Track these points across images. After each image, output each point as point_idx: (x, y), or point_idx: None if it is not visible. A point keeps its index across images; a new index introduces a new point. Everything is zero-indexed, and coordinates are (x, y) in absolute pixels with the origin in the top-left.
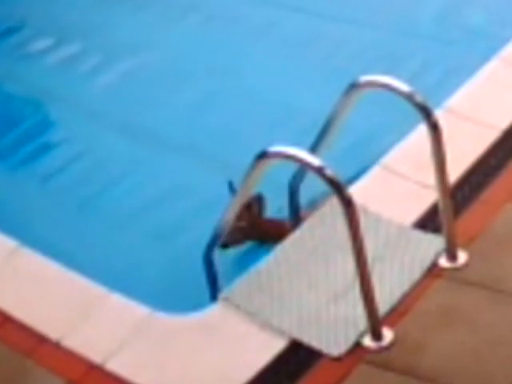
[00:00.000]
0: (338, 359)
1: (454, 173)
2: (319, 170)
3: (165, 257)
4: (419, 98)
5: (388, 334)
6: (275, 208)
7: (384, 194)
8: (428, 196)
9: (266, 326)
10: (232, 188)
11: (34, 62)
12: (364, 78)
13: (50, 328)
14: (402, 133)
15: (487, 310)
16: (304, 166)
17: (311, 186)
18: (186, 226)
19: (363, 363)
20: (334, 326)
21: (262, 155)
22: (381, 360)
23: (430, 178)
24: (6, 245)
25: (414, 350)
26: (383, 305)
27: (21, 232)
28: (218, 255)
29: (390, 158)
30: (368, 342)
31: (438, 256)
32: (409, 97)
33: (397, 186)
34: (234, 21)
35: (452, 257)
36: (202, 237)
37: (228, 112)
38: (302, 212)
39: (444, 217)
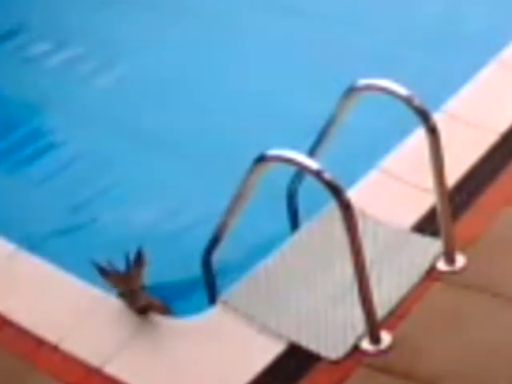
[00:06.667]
0: (336, 362)
1: (452, 176)
2: (317, 174)
3: (164, 260)
4: (417, 102)
5: (386, 338)
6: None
7: (382, 197)
8: (426, 199)
9: (265, 329)
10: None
11: (33, 65)
12: (362, 82)
13: (49, 331)
14: (400, 136)
15: (485, 314)
16: (302, 170)
17: (309, 190)
18: (184, 228)
19: (361, 367)
20: (333, 330)
21: (261, 159)
22: (379, 363)
23: (428, 181)
24: (3, 248)
25: (412, 354)
26: (381, 308)
27: (18, 235)
28: (217, 259)
29: (388, 162)
30: (366, 345)
31: (436, 259)
32: (407, 100)
33: (395, 190)
34: (232, 24)
35: (450, 260)
36: (200, 240)
37: (225, 116)
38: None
39: (442, 220)
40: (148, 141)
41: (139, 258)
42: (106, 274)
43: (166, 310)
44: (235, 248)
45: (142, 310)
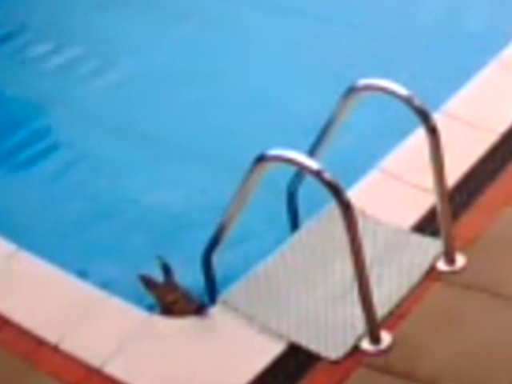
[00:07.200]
0: (336, 362)
1: (452, 176)
2: (317, 174)
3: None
4: (417, 102)
5: (386, 338)
6: (274, 209)
7: (382, 197)
8: (426, 199)
9: (265, 329)
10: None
11: (34, 66)
12: (362, 82)
13: (49, 331)
14: (400, 136)
15: (485, 313)
16: (302, 170)
17: (309, 190)
18: (184, 229)
19: (361, 366)
20: (333, 329)
21: (261, 159)
22: (379, 363)
23: (428, 181)
24: (4, 248)
25: (412, 354)
26: (381, 308)
27: (20, 235)
28: (217, 258)
29: (388, 162)
30: (366, 345)
31: (436, 259)
32: (407, 100)
33: (395, 190)
34: (231, 25)
35: (450, 260)
36: (200, 240)
37: (226, 116)
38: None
39: (442, 220)
40: (149, 141)
41: (166, 266)
42: (152, 287)
43: (195, 310)
44: (235, 248)
45: (169, 304)
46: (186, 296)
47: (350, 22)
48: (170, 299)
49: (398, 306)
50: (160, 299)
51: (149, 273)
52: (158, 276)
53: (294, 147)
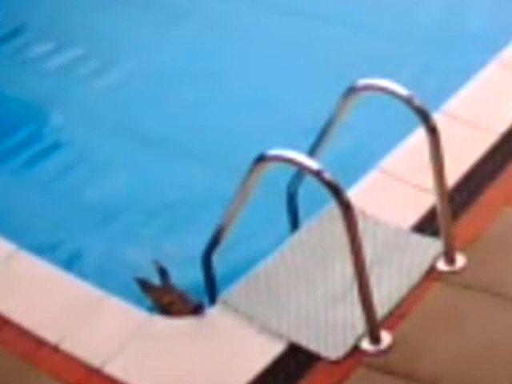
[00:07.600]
0: (336, 362)
1: (452, 176)
2: (317, 174)
3: (165, 261)
4: (417, 102)
5: (386, 338)
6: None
7: (382, 197)
8: (426, 199)
9: (265, 329)
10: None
11: (34, 66)
12: (362, 82)
13: (49, 331)
14: (400, 136)
15: (485, 313)
16: (302, 170)
17: (309, 190)
18: (186, 229)
19: (361, 366)
20: (333, 330)
21: (261, 159)
22: (379, 363)
23: (429, 181)
24: (4, 248)
25: (412, 354)
26: (381, 308)
27: (20, 235)
28: (217, 258)
29: (388, 162)
30: (366, 345)
31: (436, 259)
32: (407, 100)
33: (395, 190)
34: (231, 25)
35: (450, 260)
36: (200, 240)
37: (226, 116)
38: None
39: (442, 220)
40: (150, 141)
41: (162, 269)
42: (148, 289)
43: (192, 310)
44: (235, 248)
45: (166, 306)
46: (182, 297)
47: (350, 22)
48: (166, 301)
49: (398, 306)
50: (157, 301)
51: (146, 276)
52: (155, 279)
53: (294, 147)
